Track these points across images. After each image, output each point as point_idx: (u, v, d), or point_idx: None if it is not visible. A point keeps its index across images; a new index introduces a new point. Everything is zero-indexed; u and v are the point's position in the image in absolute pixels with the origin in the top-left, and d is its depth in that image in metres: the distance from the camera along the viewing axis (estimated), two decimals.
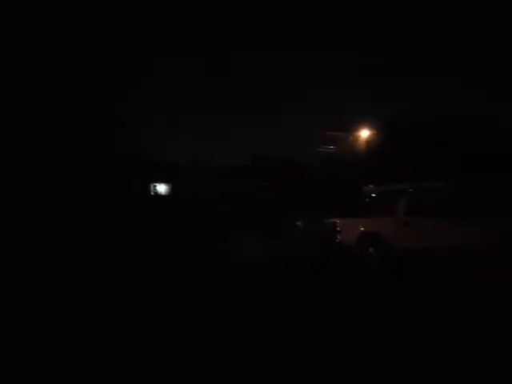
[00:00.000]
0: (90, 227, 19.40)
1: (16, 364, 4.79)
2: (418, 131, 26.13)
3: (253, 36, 76.80)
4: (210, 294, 8.05)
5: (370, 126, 28.19)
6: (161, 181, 34.41)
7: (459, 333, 5.64)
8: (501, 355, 4.91)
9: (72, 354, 5.05)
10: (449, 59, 68.22)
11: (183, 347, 5.28)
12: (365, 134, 28.21)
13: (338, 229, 12.31)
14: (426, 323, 6.05)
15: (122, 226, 19.78)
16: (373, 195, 14.28)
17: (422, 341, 5.37)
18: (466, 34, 73.31)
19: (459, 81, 72.69)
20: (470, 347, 5.15)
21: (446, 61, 69.33)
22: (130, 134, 29.18)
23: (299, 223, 18.71)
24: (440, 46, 71.37)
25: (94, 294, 8.28)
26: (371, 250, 11.16)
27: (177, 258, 13.09)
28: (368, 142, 28.12)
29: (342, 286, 9.00)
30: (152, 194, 33.59)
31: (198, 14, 64.44)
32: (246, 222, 21.77)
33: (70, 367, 4.66)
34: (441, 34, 69.50)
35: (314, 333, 5.78)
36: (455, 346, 5.20)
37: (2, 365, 4.76)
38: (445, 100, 61.80)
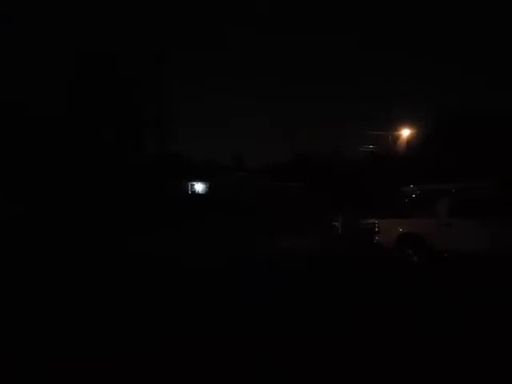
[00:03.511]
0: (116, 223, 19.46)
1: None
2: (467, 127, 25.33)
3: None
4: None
5: (412, 125, 27.44)
6: (199, 180, 34.68)
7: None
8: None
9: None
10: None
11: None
12: (406, 133, 27.46)
13: (376, 229, 11.98)
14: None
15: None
16: (413, 195, 13.89)
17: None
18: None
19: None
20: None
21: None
22: (170, 131, 29.08)
23: (336, 223, 18.37)
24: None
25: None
26: (410, 251, 10.82)
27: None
28: (409, 141, 27.38)
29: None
30: (189, 192, 33.93)
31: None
32: (281, 221, 21.61)
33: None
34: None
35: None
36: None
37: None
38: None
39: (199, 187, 34.95)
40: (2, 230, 16.83)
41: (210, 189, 34.28)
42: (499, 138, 24.06)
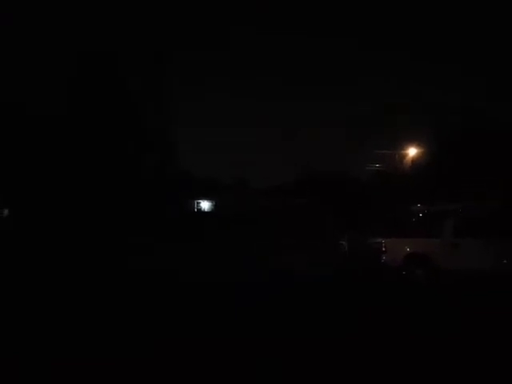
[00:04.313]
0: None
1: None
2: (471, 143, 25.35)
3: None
4: None
5: (419, 144, 27.52)
6: (204, 198, 34.81)
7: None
8: None
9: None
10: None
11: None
12: (412, 152, 27.57)
13: (383, 249, 12.01)
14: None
15: None
16: (420, 215, 13.93)
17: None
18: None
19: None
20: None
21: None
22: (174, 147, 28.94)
23: (343, 242, 18.34)
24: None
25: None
26: (418, 271, 10.85)
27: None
28: (414, 160, 27.48)
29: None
30: (195, 210, 34.00)
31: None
32: (285, 239, 21.61)
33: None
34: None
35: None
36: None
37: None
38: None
39: (205, 205, 35.15)
40: None
41: (215, 207, 34.44)
42: (503, 150, 24.05)
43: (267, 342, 5.47)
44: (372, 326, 6.31)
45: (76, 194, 22.30)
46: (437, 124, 27.70)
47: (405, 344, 5.35)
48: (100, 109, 24.32)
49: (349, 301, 8.59)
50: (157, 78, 27.48)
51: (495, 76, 59.28)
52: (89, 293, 9.26)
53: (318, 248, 18.70)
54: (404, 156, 27.92)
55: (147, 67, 27.09)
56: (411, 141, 27.67)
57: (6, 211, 24.02)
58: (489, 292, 9.12)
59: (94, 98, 24.52)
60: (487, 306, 8.01)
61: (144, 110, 26.93)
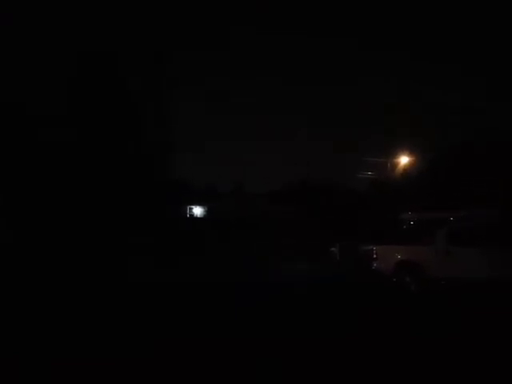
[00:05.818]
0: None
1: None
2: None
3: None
4: None
5: (415, 151, 27.64)
6: (197, 204, 34.82)
7: None
8: None
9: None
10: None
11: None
12: (404, 160, 27.64)
13: (375, 256, 11.94)
14: None
15: None
16: (411, 223, 13.91)
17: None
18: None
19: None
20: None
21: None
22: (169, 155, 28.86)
23: (334, 249, 18.29)
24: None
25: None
26: (408, 279, 10.78)
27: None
28: (406, 168, 27.55)
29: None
30: (188, 216, 33.98)
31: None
32: (278, 245, 21.63)
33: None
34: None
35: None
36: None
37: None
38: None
39: (197, 211, 35.20)
40: None
41: (208, 213, 34.48)
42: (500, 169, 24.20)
43: (267, 342, 5.45)
44: (368, 327, 6.29)
45: (74, 191, 22.28)
46: (436, 125, 28.09)
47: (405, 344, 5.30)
48: (100, 109, 24.35)
49: (343, 302, 8.56)
50: (157, 78, 27.50)
51: (495, 76, 60.00)
52: (89, 292, 9.25)
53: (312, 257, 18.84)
54: (397, 164, 27.99)
55: (147, 67, 27.13)
56: (408, 148, 27.78)
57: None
58: (481, 299, 9.10)
59: (94, 98, 24.58)
60: (477, 312, 8.00)
61: (144, 110, 26.94)
